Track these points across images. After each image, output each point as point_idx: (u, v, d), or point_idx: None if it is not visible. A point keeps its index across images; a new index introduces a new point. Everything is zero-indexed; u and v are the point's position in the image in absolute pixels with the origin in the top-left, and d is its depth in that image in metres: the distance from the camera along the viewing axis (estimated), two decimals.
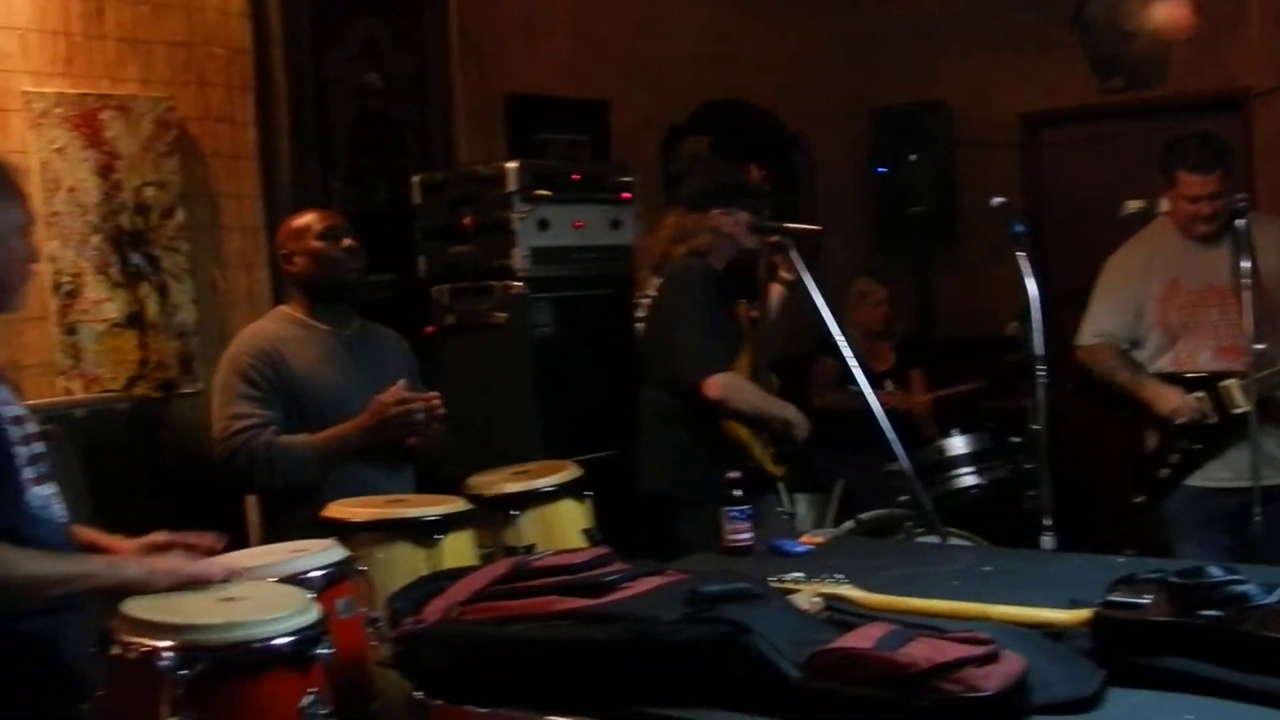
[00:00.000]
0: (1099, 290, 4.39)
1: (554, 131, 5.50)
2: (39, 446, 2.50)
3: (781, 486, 4.36)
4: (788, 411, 4.19)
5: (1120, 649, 2.14)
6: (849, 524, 4.82)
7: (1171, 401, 4.09)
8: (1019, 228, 3.59)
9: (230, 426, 3.43)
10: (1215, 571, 2.19)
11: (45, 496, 2.46)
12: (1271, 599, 2.13)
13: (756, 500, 4.46)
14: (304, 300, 3.66)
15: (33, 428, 2.50)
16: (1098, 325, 4.34)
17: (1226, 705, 1.98)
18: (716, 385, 3.99)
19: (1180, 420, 4.06)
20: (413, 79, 5.06)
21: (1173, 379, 4.13)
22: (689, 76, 6.22)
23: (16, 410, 2.47)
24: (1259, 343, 3.92)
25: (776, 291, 4.35)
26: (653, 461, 4.22)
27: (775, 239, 4.21)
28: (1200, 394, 4.04)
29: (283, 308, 3.74)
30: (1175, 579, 2.19)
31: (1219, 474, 4.06)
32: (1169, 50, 6.32)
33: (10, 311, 2.67)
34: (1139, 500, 4.30)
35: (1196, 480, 4.11)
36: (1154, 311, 4.18)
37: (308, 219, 3.69)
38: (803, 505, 5.06)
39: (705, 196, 4.28)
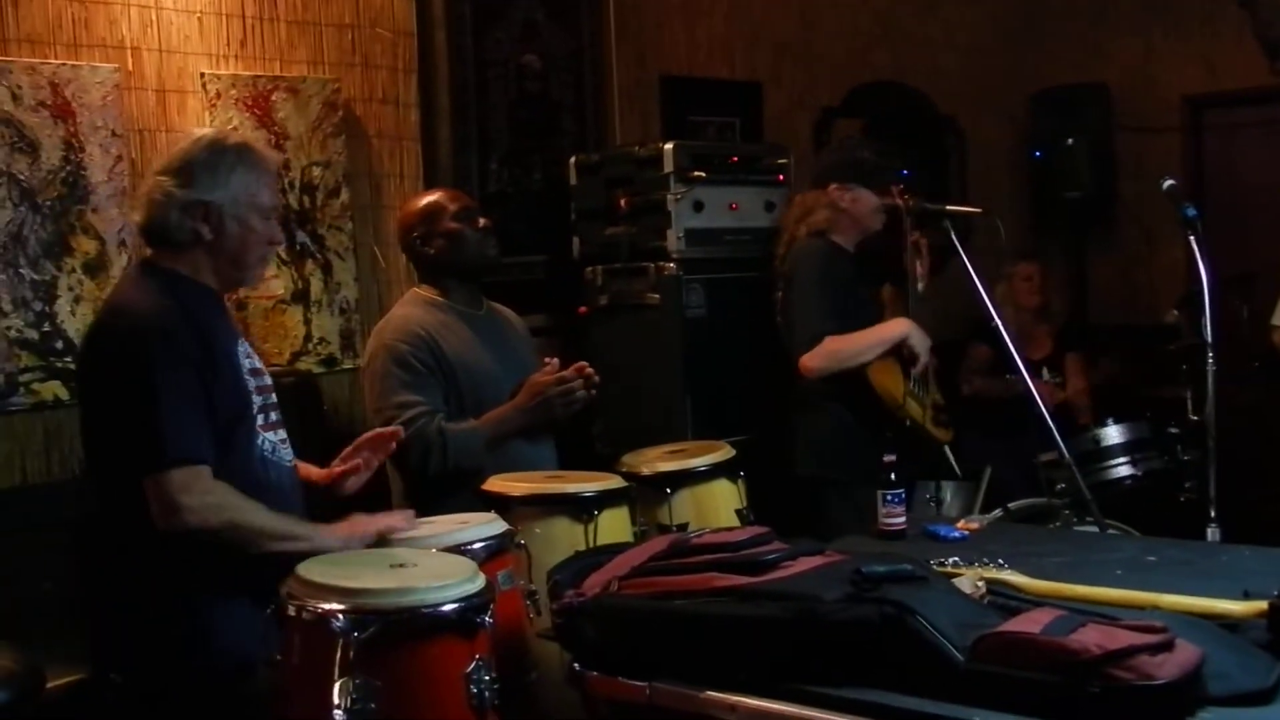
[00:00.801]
0: None
1: (707, 113, 5.51)
2: (272, 397, 2.71)
3: (949, 452, 4.29)
4: (893, 329, 4.09)
5: None
6: (997, 512, 4.74)
7: None
8: (1191, 211, 3.49)
9: (398, 416, 3.33)
10: None
11: (275, 441, 2.68)
12: None
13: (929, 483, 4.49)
14: (439, 283, 3.63)
15: (267, 379, 2.73)
16: None
17: None
18: (809, 360, 3.97)
19: None
20: (570, 60, 5.11)
21: None
22: (843, 58, 6.17)
23: (255, 363, 2.70)
24: None
25: (920, 271, 4.29)
26: (806, 444, 4.21)
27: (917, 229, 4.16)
28: None
29: (418, 291, 3.68)
30: None
31: None
32: None
33: (246, 285, 2.98)
34: None
35: None
36: None
37: (437, 199, 3.66)
38: (949, 492, 4.98)
39: (825, 172, 4.26)
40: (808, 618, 2.17)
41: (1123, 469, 4.93)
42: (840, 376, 4.05)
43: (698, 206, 4.48)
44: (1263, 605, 2.16)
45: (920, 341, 4.09)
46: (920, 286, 4.31)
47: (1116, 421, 5.02)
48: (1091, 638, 1.95)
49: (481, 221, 3.63)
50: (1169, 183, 3.54)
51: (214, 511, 2.43)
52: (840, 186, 4.17)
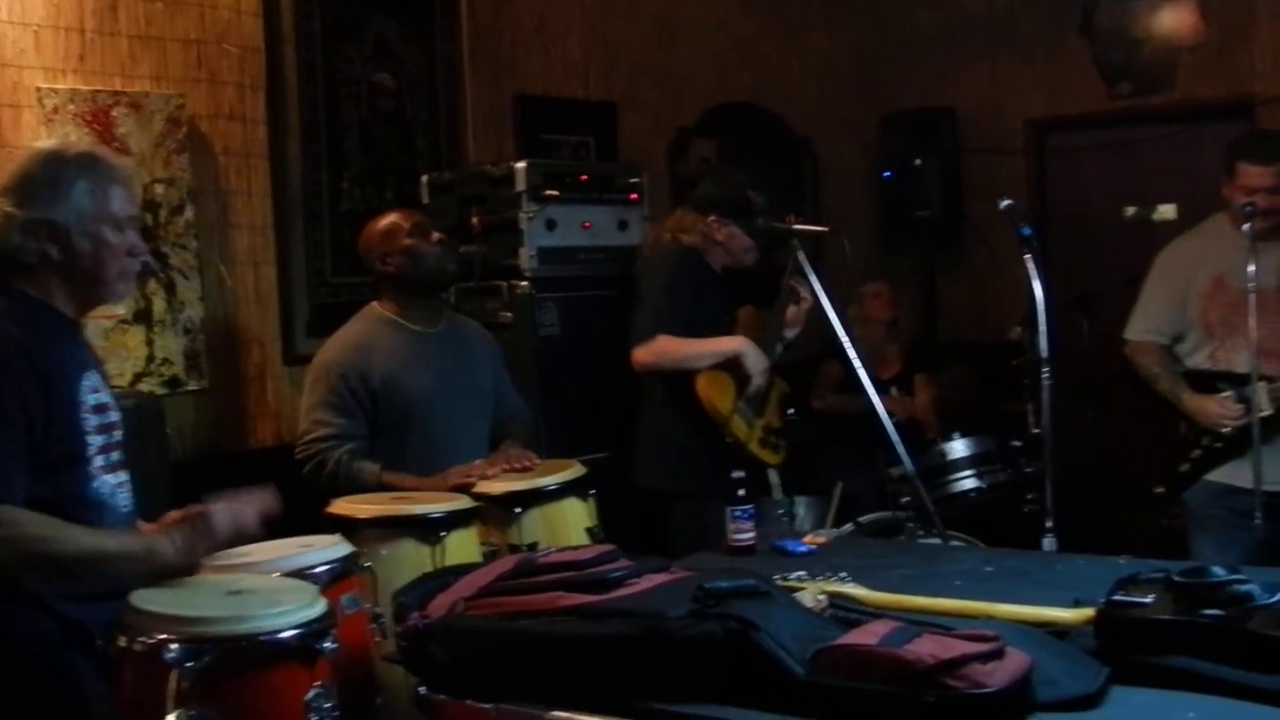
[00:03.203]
0: (1148, 284, 4.36)
1: (562, 132, 5.52)
2: (116, 435, 2.53)
3: (774, 476, 4.37)
4: (729, 344, 4.18)
5: (1124, 647, 2.15)
6: (848, 526, 4.83)
7: (1211, 414, 4.06)
8: (1026, 230, 3.59)
9: (310, 433, 3.59)
10: (1218, 571, 2.20)
11: (114, 485, 2.50)
12: (1273, 599, 2.14)
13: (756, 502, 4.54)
14: (397, 299, 3.76)
15: (114, 416, 2.54)
16: (1145, 321, 4.32)
17: (1228, 704, 1.99)
18: (639, 353, 4.08)
19: (1224, 429, 4.03)
20: (423, 79, 5.07)
21: (1208, 376, 4.10)
22: (699, 80, 6.24)
23: (103, 398, 2.52)
24: None
25: (792, 314, 4.38)
26: (647, 456, 4.26)
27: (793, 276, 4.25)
28: (1229, 394, 4.01)
29: (375, 305, 3.82)
30: (1178, 578, 2.20)
31: (1241, 473, 4.02)
32: (1177, 57, 6.33)
33: (110, 303, 2.79)
34: (1159, 490, 4.28)
35: (1217, 477, 4.09)
36: (1196, 308, 4.13)
37: (392, 220, 3.79)
38: (802, 507, 5.07)
39: (707, 201, 4.34)
40: (653, 635, 2.17)
41: (968, 482, 5.05)
42: (678, 389, 4.10)
43: (551, 225, 4.49)
44: (1091, 612, 2.22)
45: (755, 362, 4.16)
46: (788, 334, 4.39)
47: (962, 436, 5.14)
48: (926, 648, 1.99)
49: (435, 236, 3.75)
50: (1006, 203, 3.64)
51: (8, 546, 2.25)
52: (720, 221, 4.26)
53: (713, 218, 4.28)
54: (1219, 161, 6.29)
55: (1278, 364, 3.98)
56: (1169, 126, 6.45)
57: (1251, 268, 3.76)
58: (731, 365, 4.17)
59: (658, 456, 4.25)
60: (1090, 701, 2.03)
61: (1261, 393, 3.92)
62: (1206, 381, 4.12)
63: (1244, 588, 2.15)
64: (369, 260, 3.80)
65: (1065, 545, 3.47)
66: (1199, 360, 4.16)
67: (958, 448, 5.12)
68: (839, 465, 5.36)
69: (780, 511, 4.86)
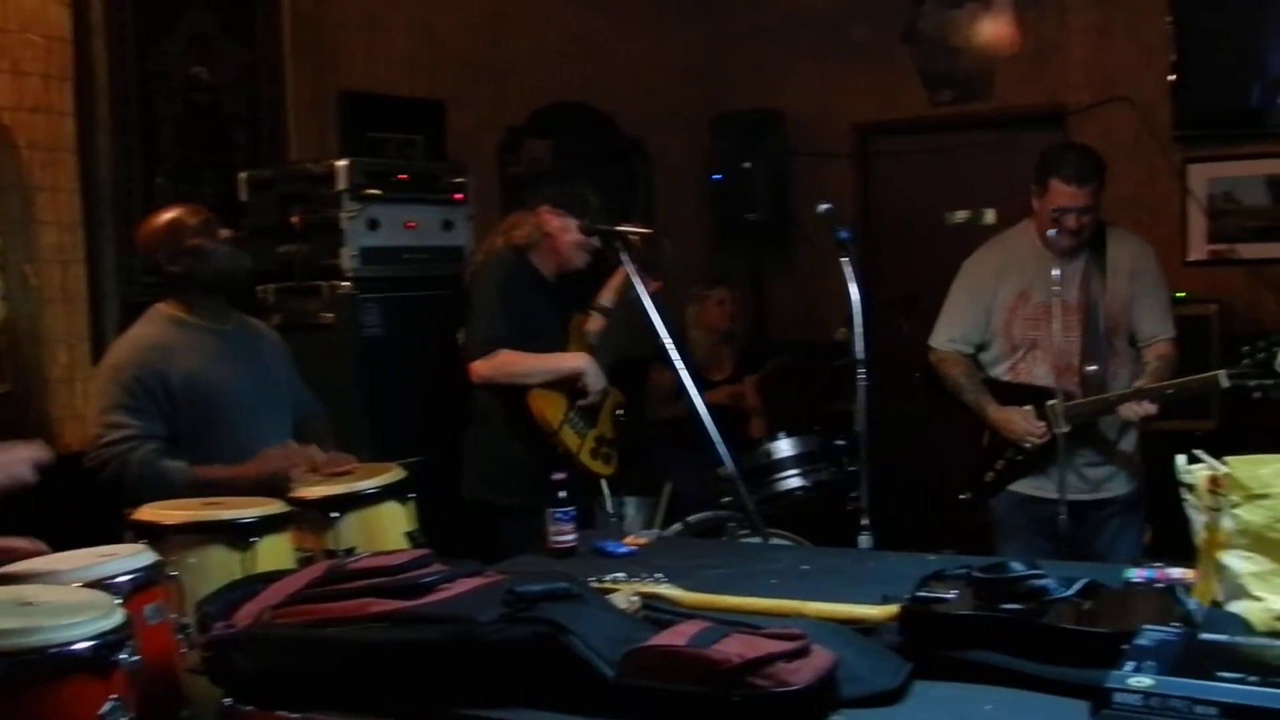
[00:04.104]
0: (953, 292, 4.42)
1: (389, 130, 5.43)
2: None
3: (605, 486, 4.38)
4: (569, 362, 4.19)
5: (926, 642, 2.19)
6: (677, 526, 4.86)
7: (1016, 430, 4.15)
8: (843, 234, 3.66)
9: (105, 435, 3.41)
10: (1017, 567, 2.26)
11: None
12: (1069, 592, 2.21)
13: (589, 503, 4.55)
14: (184, 299, 3.61)
15: None
16: (948, 330, 4.39)
17: (1025, 695, 2.04)
18: (479, 366, 4.04)
19: (1028, 445, 4.12)
20: (243, 73, 4.95)
21: (1009, 388, 4.20)
22: (530, 79, 6.21)
23: None
24: (1093, 363, 4.07)
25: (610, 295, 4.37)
26: (475, 467, 4.22)
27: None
28: (1029, 409, 4.12)
29: (161, 307, 3.64)
30: (979, 574, 2.26)
31: (1041, 484, 4.15)
32: (995, 66, 6.53)
33: None
34: (964, 497, 4.38)
35: (1020, 487, 4.21)
36: (1000, 320, 4.21)
37: (176, 215, 3.62)
38: (631, 508, 5.08)
39: (540, 193, 4.30)
40: (464, 640, 2.15)
41: (793, 481, 5.13)
42: (510, 400, 4.07)
43: (373, 225, 4.42)
44: (895, 609, 2.26)
45: (595, 381, 4.17)
46: (607, 303, 4.39)
47: (787, 435, 5.21)
48: (733, 647, 2.00)
49: (224, 233, 3.61)
50: (824, 206, 3.70)
51: None
52: (553, 210, 4.21)
53: (545, 208, 4.24)
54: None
55: (1072, 378, 4.10)
56: (988, 133, 6.66)
57: (1056, 271, 3.86)
58: (568, 380, 4.16)
59: (486, 467, 4.22)
60: (893, 696, 2.06)
61: (1061, 412, 4.03)
62: (1008, 393, 4.21)
63: (1041, 582, 2.22)
64: (152, 261, 3.64)
65: (888, 542, 3.54)
66: (1000, 371, 4.27)
67: (783, 447, 5.19)
68: (669, 466, 5.39)
69: (610, 513, 4.86)
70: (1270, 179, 6.00)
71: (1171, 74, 6.07)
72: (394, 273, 4.49)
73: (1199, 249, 5.94)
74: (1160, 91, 6.08)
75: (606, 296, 4.45)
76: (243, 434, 3.52)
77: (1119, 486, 4.16)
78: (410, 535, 3.32)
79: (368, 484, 3.31)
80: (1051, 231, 4.03)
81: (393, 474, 3.39)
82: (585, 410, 4.26)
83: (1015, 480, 4.23)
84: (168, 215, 3.63)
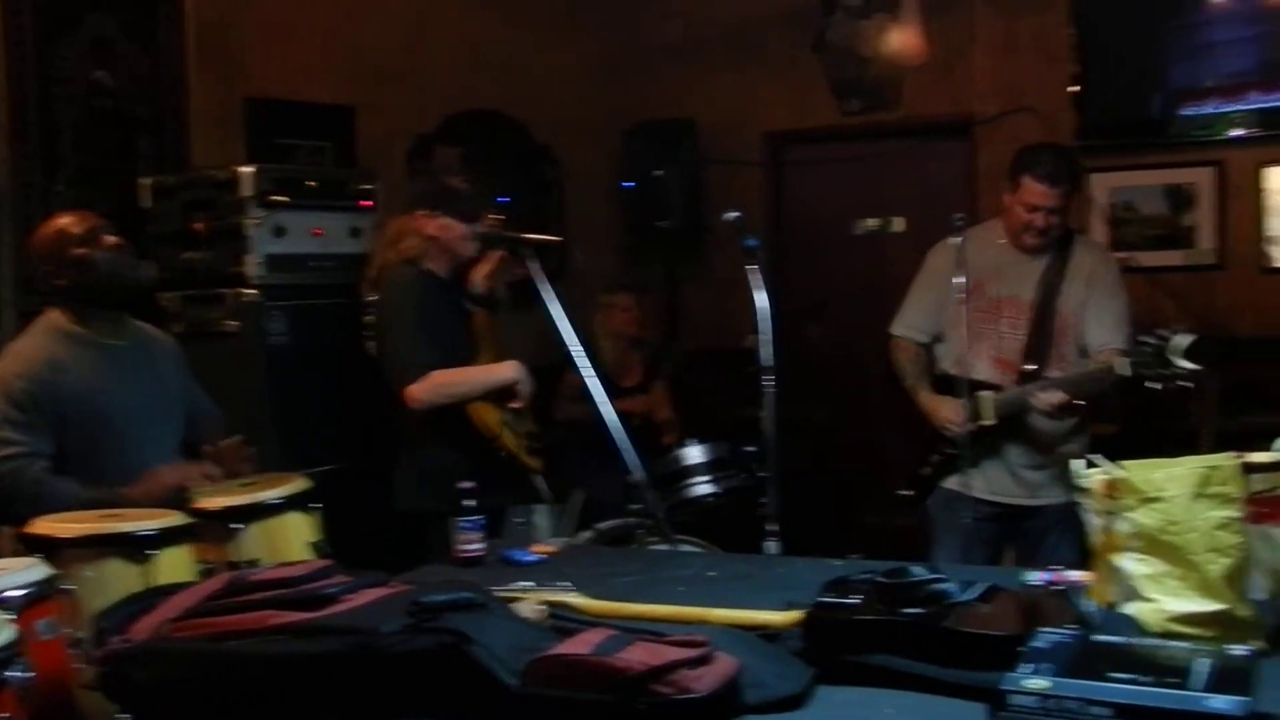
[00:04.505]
0: (916, 281, 4.43)
1: (298, 137, 5.38)
2: None
3: (540, 481, 4.35)
4: (503, 372, 4.14)
5: (829, 647, 2.21)
6: (588, 533, 4.86)
7: (940, 417, 4.18)
8: (751, 241, 3.68)
9: None
10: (918, 571, 2.29)
11: None
12: (968, 596, 2.24)
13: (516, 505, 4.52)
14: (74, 311, 3.49)
15: None
16: (905, 318, 4.41)
17: (925, 698, 2.07)
18: (415, 393, 3.95)
19: (950, 433, 4.13)
20: (146, 78, 4.87)
21: (952, 381, 4.17)
22: (442, 87, 6.17)
23: None
24: (1033, 363, 4.09)
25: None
26: (409, 478, 4.17)
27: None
28: (963, 402, 4.10)
29: (52, 316, 3.52)
30: (882, 579, 2.28)
31: (975, 483, 4.16)
32: (903, 76, 6.61)
33: None
34: (905, 494, 4.38)
35: (955, 485, 4.19)
36: (952, 311, 4.16)
37: (61, 224, 3.50)
38: (542, 515, 5.06)
39: (413, 200, 4.25)
40: (366, 651, 2.12)
41: (704, 487, 5.13)
42: (443, 410, 4.03)
43: (279, 231, 4.37)
44: (799, 615, 2.28)
45: (527, 386, 4.14)
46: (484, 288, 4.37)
47: (698, 442, 5.22)
48: (637, 655, 2.00)
49: (109, 240, 3.48)
50: (732, 215, 3.72)
51: None
52: (428, 214, 4.15)
53: (420, 213, 4.19)
54: (944, 176, 6.64)
55: (1013, 375, 4.13)
56: (897, 142, 6.73)
57: (960, 280, 3.90)
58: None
59: (425, 478, 4.15)
60: (796, 702, 2.07)
61: (988, 403, 4.09)
62: (952, 387, 4.19)
63: (941, 586, 2.24)
64: (37, 275, 3.54)
65: (798, 548, 3.56)
66: (948, 364, 4.26)
67: (693, 453, 5.19)
68: (580, 472, 5.38)
69: (519, 520, 4.84)
70: (1169, 188, 6.14)
71: (1075, 85, 6.18)
72: (300, 280, 4.45)
73: None
74: (1063, 102, 6.19)
75: (476, 283, 4.39)
76: (133, 452, 3.44)
77: (1057, 495, 4.09)
78: (315, 546, 3.27)
79: (271, 494, 3.25)
80: (1020, 229, 4.09)
81: (296, 484, 3.33)
82: (515, 410, 4.25)
83: (950, 477, 4.22)
84: (54, 225, 3.52)
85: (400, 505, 4.13)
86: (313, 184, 4.54)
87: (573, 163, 6.96)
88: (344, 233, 4.62)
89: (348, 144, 5.63)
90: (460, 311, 4.29)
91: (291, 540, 3.22)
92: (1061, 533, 4.00)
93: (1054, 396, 3.95)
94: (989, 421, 4.05)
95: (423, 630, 2.13)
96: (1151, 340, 3.72)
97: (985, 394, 4.07)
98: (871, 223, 6.86)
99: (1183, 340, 3.65)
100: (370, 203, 4.73)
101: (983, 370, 4.14)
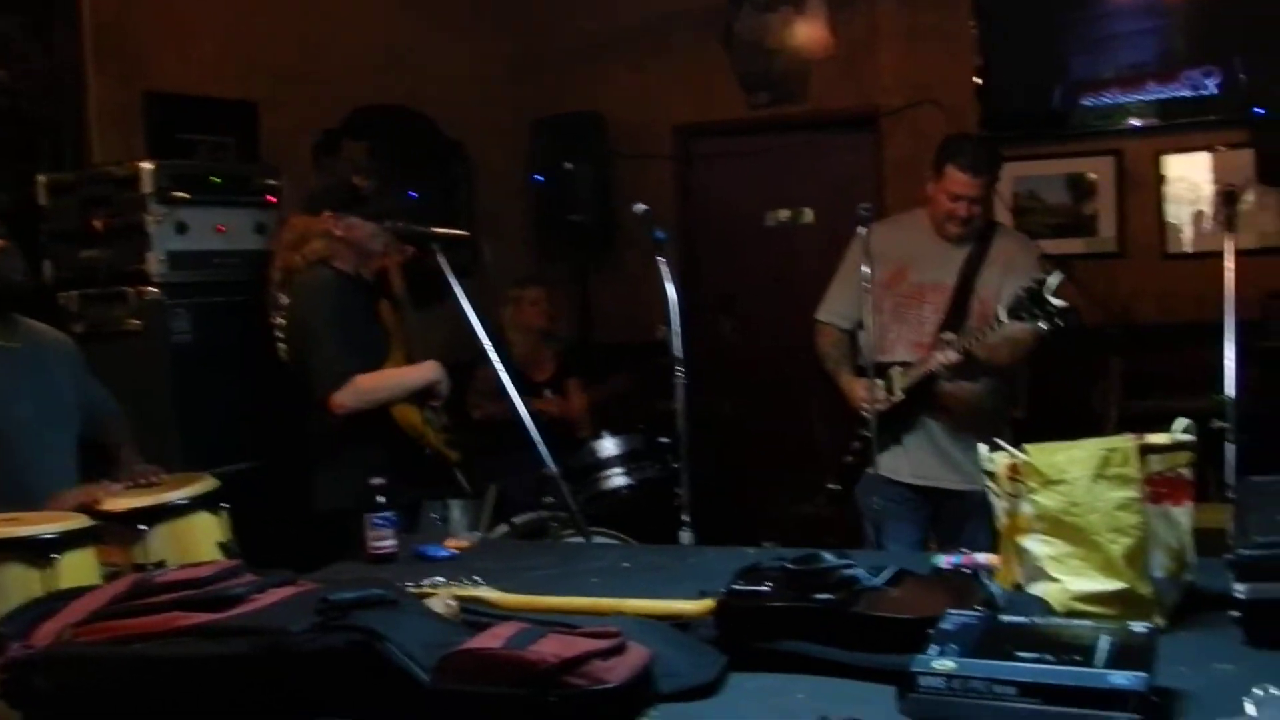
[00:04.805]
0: (840, 267, 4.45)
1: (199, 133, 5.28)
2: None
3: (460, 474, 4.33)
4: (424, 373, 4.12)
5: (742, 635, 2.22)
6: (503, 528, 4.84)
7: (856, 395, 4.21)
8: (659, 234, 3.68)
9: None
10: (828, 558, 2.30)
11: None
12: (878, 581, 2.26)
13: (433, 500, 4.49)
14: None
15: None
16: (829, 305, 4.45)
17: (836, 682, 2.08)
18: (340, 400, 3.90)
19: (866, 411, 4.12)
20: (44, 76, 4.75)
21: (875, 367, 4.21)
22: (347, 81, 6.10)
23: None
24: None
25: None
26: (331, 479, 4.11)
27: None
28: (880, 381, 4.13)
29: None
30: (792, 566, 2.30)
31: (901, 468, 4.22)
32: (809, 69, 6.65)
33: None
34: (833, 487, 4.39)
35: (883, 470, 4.15)
36: (875, 296, 4.15)
37: None
38: (457, 511, 5.02)
39: (318, 199, 4.19)
40: (275, 652, 2.09)
41: (619, 479, 5.15)
42: (366, 412, 4.00)
43: (181, 228, 4.30)
44: (711, 603, 2.29)
45: (446, 385, 4.12)
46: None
47: (612, 434, 5.23)
48: (550, 648, 1.99)
49: None
50: (640, 207, 3.72)
51: None
52: (334, 215, 4.11)
53: (326, 214, 4.14)
54: (851, 167, 6.70)
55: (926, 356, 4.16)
56: (804, 135, 6.79)
57: (866, 270, 3.93)
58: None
59: (346, 477, 4.09)
60: (709, 690, 2.08)
61: (898, 378, 4.13)
62: (874, 372, 4.25)
63: (851, 572, 2.26)
64: None
65: (714, 538, 3.57)
66: (869, 350, 4.29)
67: (607, 446, 5.21)
68: (495, 467, 5.35)
69: (435, 516, 4.81)
70: (1071, 177, 6.25)
71: (978, 77, 6.27)
72: (204, 277, 4.38)
73: None
74: (967, 94, 6.28)
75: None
76: (26, 462, 3.36)
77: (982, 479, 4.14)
78: (224, 546, 3.23)
79: (177, 495, 3.21)
80: (944, 218, 4.15)
81: (204, 484, 3.30)
82: (434, 407, 4.23)
83: (875, 461, 4.24)
84: None
85: (322, 505, 4.08)
86: (215, 180, 4.48)
87: (482, 158, 6.92)
88: (248, 229, 4.56)
89: (251, 139, 5.55)
90: (370, 310, 4.25)
91: (200, 541, 3.18)
92: (981, 518, 4.02)
93: (945, 355, 4.03)
94: (898, 397, 4.10)
95: (332, 629, 2.11)
96: (1028, 285, 3.79)
97: (896, 369, 4.12)
98: (783, 214, 6.91)
99: (1054, 280, 3.73)
100: (275, 199, 4.67)
101: (904, 354, 4.19)
